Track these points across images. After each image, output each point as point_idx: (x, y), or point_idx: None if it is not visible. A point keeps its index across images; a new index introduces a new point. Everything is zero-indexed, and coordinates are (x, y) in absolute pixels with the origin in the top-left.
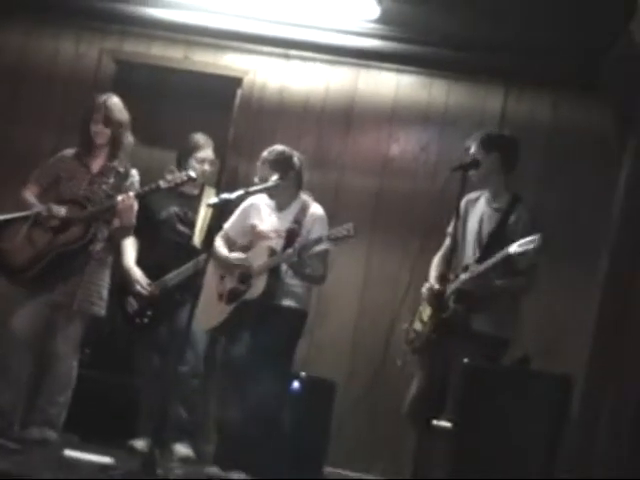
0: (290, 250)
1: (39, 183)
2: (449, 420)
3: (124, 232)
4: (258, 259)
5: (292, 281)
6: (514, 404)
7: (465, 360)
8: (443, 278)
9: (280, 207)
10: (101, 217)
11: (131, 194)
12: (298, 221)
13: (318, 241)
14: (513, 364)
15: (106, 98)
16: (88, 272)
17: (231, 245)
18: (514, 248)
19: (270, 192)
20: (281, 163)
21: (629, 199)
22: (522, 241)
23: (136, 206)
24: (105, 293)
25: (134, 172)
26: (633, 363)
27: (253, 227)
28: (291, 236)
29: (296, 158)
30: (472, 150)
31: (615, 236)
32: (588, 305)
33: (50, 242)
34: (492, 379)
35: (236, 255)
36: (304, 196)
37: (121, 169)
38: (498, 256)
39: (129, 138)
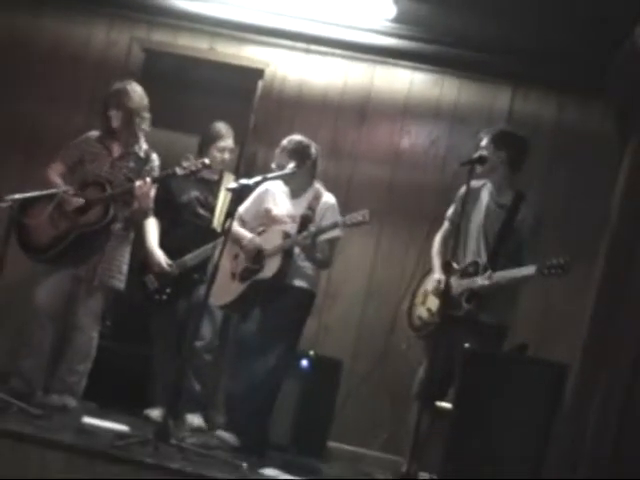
0: (305, 233)
1: (64, 162)
2: (453, 403)
3: (141, 214)
4: (272, 241)
5: (303, 263)
6: (511, 388)
7: (466, 345)
8: (448, 267)
9: (295, 194)
10: (120, 199)
11: (148, 180)
12: (312, 208)
13: (334, 226)
14: (512, 350)
15: (124, 84)
16: (109, 249)
17: (243, 225)
18: (518, 274)
19: (286, 179)
20: (299, 152)
21: (627, 197)
22: (524, 271)
23: (153, 191)
24: (125, 268)
25: (154, 157)
26: (623, 355)
27: (267, 211)
28: (304, 222)
29: (313, 148)
30: (483, 143)
31: (612, 233)
32: (583, 299)
33: (72, 222)
34: (491, 364)
35: (251, 235)
36: (317, 184)
37: (141, 154)
38: (507, 276)
39: (146, 123)
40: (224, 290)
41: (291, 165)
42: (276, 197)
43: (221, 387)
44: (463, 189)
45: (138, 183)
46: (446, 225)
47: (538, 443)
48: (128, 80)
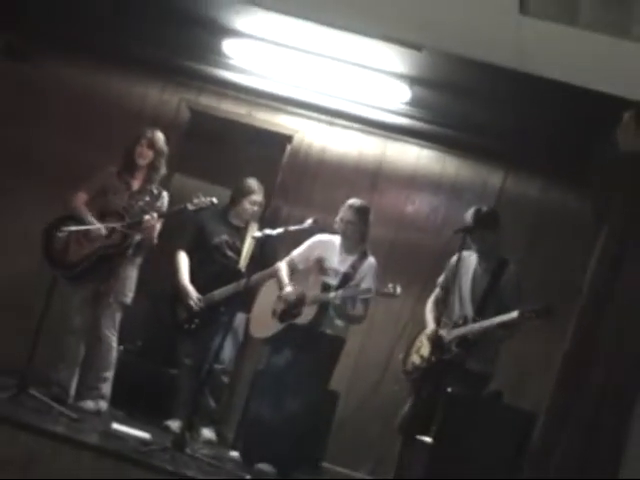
0: (340, 292)
1: (88, 192)
2: (433, 438)
3: (148, 243)
4: (312, 288)
5: (342, 317)
6: (486, 429)
7: (449, 389)
8: (439, 322)
9: (347, 250)
10: (134, 229)
11: (155, 215)
12: (355, 267)
13: (364, 292)
14: (489, 396)
15: (153, 130)
16: (122, 270)
17: (292, 269)
18: (503, 318)
19: (346, 236)
20: (361, 213)
21: (600, 271)
22: (508, 316)
23: (159, 225)
24: (133, 287)
25: (165, 194)
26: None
27: (318, 261)
28: (345, 278)
29: (371, 215)
30: (468, 222)
31: (585, 299)
32: (551, 353)
33: (96, 245)
34: (469, 407)
35: (290, 289)
36: (364, 247)
37: (155, 191)
38: (494, 321)
39: (164, 167)
40: (264, 325)
41: (309, 221)
42: (328, 250)
43: (234, 406)
44: (454, 258)
45: (147, 217)
46: (437, 291)
47: (506, 477)
48: (155, 128)
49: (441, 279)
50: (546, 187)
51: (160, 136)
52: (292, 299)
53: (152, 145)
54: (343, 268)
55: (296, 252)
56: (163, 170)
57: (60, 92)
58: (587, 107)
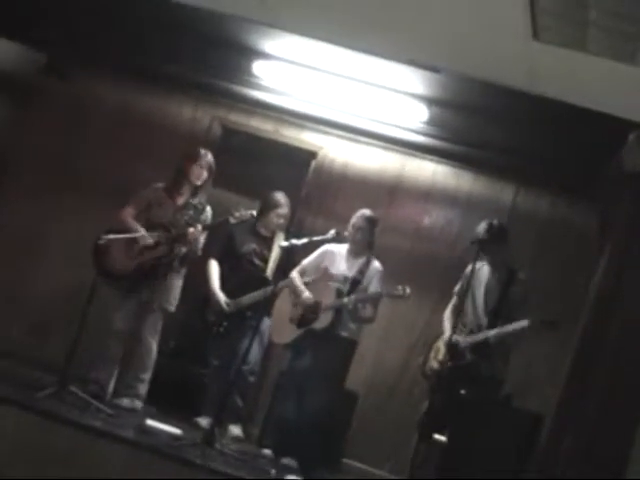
0: (352, 297)
1: (136, 207)
2: (447, 437)
3: (192, 255)
4: (326, 295)
5: (356, 320)
6: (496, 430)
7: (462, 392)
8: (455, 329)
9: (354, 255)
10: (179, 241)
11: (199, 227)
12: (362, 272)
13: (375, 296)
14: (499, 399)
15: (208, 152)
16: (168, 280)
17: (303, 276)
18: (515, 327)
19: (354, 241)
20: (371, 222)
21: (604, 282)
22: (519, 325)
23: (203, 237)
24: (177, 296)
25: (208, 209)
26: (590, 411)
27: (325, 269)
28: (354, 283)
29: (378, 226)
30: (480, 235)
31: (590, 308)
32: (560, 361)
33: (144, 256)
34: (482, 409)
35: (308, 294)
36: (370, 253)
37: (199, 206)
38: (507, 330)
39: (210, 185)
40: (283, 331)
41: (332, 232)
42: (335, 258)
43: (260, 405)
44: (469, 268)
45: (191, 229)
46: (454, 299)
47: (514, 476)
48: (207, 150)
49: (457, 288)
50: (555, 202)
51: (212, 158)
52: (310, 302)
53: (209, 167)
54: (351, 273)
55: (306, 261)
56: (209, 186)
57: (99, 109)
58: (594, 128)
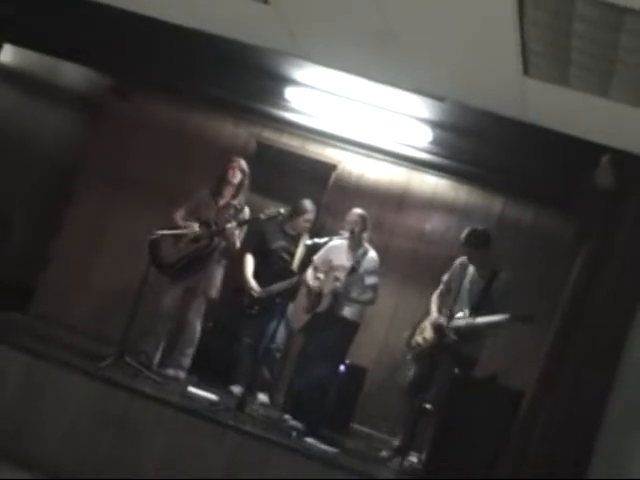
0: (344, 282)
1: (187, 209)
2: (431, 402)
3: (231, 248)
4: (329, 283)
5: (351, 300)
6: (483, 405)
7: (455, 370)
8: (441, 312)
9: (351, 249)
10: (218, 235)
11: (234, 223)
12: (358, 261)
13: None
14: (485, 379)
15: (241, 159)
16: (209, 269)
17: (315, 270)
18: (495, 319)
19: (350, 240)
20: (362, 218)
21: (578, 281)
22: (499, 317)
23: (239, 232)
24: (218, 283)
25: (247, 209)
26: (563, 391)
27: (330, 261)
28: (351, 271)
29: (368, 221)
30: (464, 239)
31: (565, 305)
32: (538, 345)
33: (188, 249)
34: (470, 386)
35: (313, 284)
36: (366, 244)
37: (238, 206)
38: (488, 320)
39: (246, 187)
40: (300, 318)
41: (347, 235)
42: (337, 251)
43: (284, 377)
44: (457, 262)
45: (228, 225)
46: (441, 287)
47: (497, 445)
48: (241, 157)
49: (445, 277)
50: (538, 213)
51: (244, 163)
52: (317, 290)
53: (241, 169)
54: (349, 263)
55: (316, 256)
56: (247, 190)
57: (154, 125)
58: (573, 151)
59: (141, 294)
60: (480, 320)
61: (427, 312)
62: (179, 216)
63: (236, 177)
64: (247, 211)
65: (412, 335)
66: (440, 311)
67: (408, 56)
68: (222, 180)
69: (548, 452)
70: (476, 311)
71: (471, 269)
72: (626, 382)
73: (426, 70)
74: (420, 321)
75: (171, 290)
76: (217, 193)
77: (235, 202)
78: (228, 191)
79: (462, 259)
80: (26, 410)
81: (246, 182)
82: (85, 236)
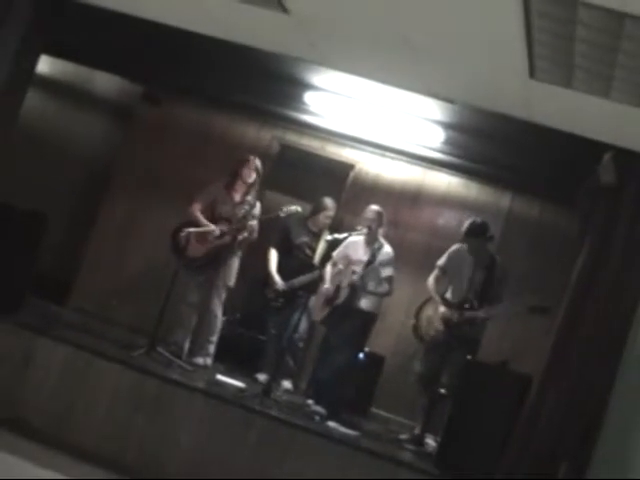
0: (360, 274)
1: (203, 202)
2: (444, 388)
3: (249, 241)
4: (348, 276)
5: (368, 292)
6: (494, 389)
7: (468, 357)
8: (446, 303)
9: (367, 244)
10: (241, 231)
11: (255, 220)
12: (374, 255)
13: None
14: (497, 364)
15: (256, 158)
16: (229, 261)
17: (334, 265)
18: (518, 308)
19: (369, 235)
20: (378, 214)
21: (582, 274)
22: (510, 307)
23: (257, 226)
24: (235, 273)
25: (258, 204)
26: (569, 377)
27: (347, 256)
28: (367, 265)
29: (384, 217)
30: (465, 229)
31: (570, 296)
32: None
33: (213, 244)
34: (483, 371)
35: (327, 286)
36: (381, 239)
37: (252, 201)
38: (497, 310)
39: (258, 184)
40: (320, 311)
41: (365, 230)
42: (354, 246)
43: (307, 365)
44: (454, 247)
45: (252, 222)
46: (437, 271)
47: (506, 427)
48: (256, 156)
49: (440, 262)
50: (543, 208)
51: (259, 162)
52: (330, 293)
53: (257, 169)
54: (365, 257)
55: (335, 252)
56: (257, 186)
57: (183, 129)
58: (577, 149)
59: (172, 288)
60: (494, 311)
61: (427, 298)
62: (196, 210)
63: (251, 177)
64: (259, 206)
65: (418, 324)
66: (444, 299)
67: (422, 61)
68: (236, 176)
69: (553, 436)
70: (483, 300)
71: (470, 258)
72: (629, 371)
73: (439, 74)
74: (421, 307)
75: (196, 283)
76: (230, 187)
77: (249, 198)
78: (242, 187)
79: (458, 246)
80: (66, 398)
81: (259, 180)
82: (119, 233)
